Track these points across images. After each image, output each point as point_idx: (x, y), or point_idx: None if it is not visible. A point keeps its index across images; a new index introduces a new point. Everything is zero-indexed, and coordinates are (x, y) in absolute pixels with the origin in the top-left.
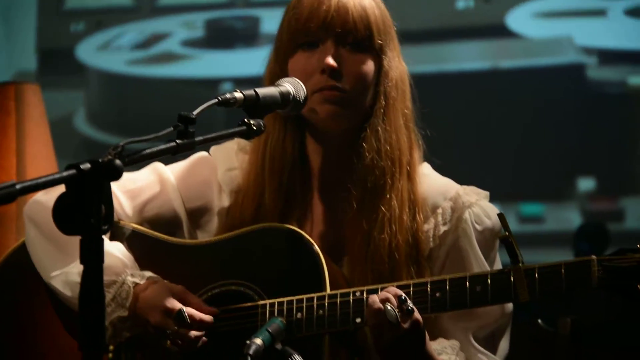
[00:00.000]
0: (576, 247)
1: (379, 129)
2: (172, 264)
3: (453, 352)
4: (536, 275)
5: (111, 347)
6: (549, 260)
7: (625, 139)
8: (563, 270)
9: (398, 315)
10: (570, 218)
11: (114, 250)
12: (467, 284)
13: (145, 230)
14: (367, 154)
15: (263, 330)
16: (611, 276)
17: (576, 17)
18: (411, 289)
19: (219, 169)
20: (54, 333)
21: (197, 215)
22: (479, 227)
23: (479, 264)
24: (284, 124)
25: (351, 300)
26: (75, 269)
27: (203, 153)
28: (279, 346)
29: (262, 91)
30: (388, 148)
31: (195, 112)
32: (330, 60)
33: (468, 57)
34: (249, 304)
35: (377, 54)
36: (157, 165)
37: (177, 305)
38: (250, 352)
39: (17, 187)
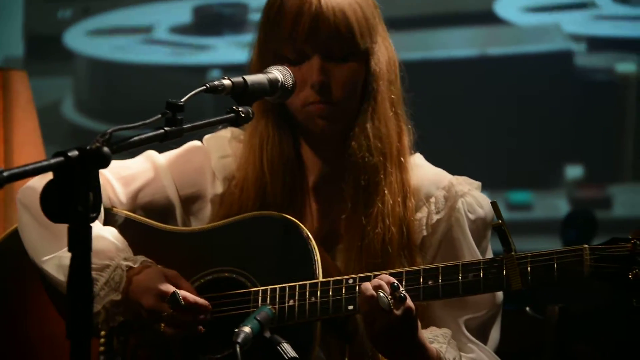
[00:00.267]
0: (564, 234)
1: (368, 126)
2: (165, 251)
3: (444, 341)
4: (528, 263)
5: (103, 333)
6: (536, 248)
7: (613, 126)
8: (555, 259)
9: (390, 302)
10: (558, 206)
11: (107, 235)
12: (460, 272)
13: (138, 218)
14: (357, 153)
15: (252, 318)
16: (603, 265)
17: (564, 10)
18: (404, 276)
19: (212, 156)
20: (45, 320)
21: (191, 202)
22: (471, 216)
23: (472, 252)
24: (277, 125)
25: (344, 288)
26: (68, 253)
27: (196, 142)
28: (267, 334)
29: (251, 78)
30: (379, 144)
31: (183, 100)
32: (318, 77)
33: (456, 44)
34: (242, 291)
35: (364, 56)
36: (151, 153)
37: (170, 288)
38: (239, 340)
39: (5, 174)
